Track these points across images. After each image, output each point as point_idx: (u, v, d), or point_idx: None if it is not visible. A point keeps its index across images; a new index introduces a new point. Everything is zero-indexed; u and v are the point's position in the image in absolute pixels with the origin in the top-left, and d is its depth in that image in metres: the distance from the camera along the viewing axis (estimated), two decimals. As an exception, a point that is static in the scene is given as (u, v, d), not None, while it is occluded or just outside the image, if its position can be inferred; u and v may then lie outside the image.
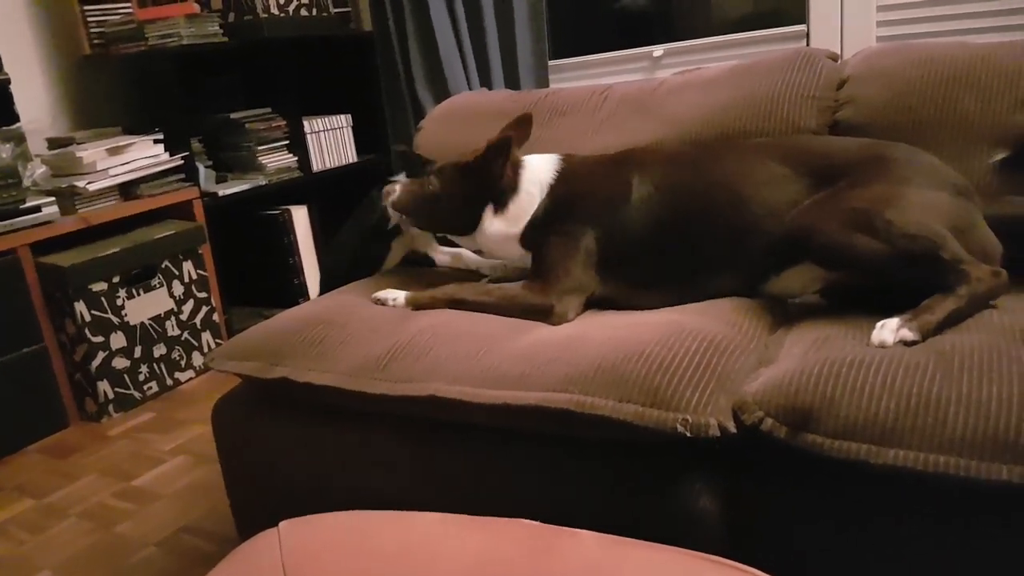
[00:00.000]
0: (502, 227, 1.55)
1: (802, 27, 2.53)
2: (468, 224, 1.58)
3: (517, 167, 1.56)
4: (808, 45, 2.51)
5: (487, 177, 1.54)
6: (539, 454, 1.23)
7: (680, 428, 1.06)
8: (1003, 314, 1.18)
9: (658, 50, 2.77)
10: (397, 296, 1.56)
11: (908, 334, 1.12)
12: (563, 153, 1.61)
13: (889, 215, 1.21)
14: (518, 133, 1.60)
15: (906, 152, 1.38)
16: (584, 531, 0.91)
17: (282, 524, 0.96)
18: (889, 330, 1.14)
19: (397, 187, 1.62)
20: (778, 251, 1.36)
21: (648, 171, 1.50)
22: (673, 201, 1.45)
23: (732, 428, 1.07)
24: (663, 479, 1.13)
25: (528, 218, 1.53)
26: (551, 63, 2.91)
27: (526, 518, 0.96)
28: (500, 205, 1.55)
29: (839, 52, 2.43)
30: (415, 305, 1.53)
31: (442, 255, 1.81)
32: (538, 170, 1.57)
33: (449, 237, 1.75)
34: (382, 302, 1.56)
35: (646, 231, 1.45)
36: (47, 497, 2.04)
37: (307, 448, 1.45)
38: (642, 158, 1.55)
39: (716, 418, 1.07)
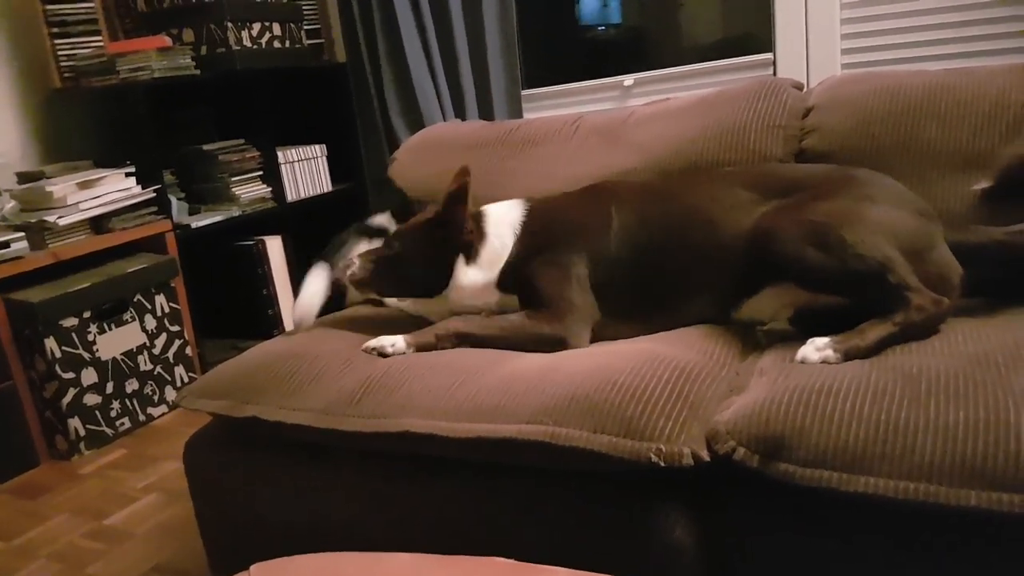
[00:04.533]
0: (478, 276, 1.51)
1: (769, 55, 2.58)
2: (439, 282, 1.53)
3: (478, 218, 1.55)
4: (775, 73, 2.56)
5: (451, 228, 1.51)
6: (514, 487, 1.23)
7: (654, 458, 1.07)
8: (968, 339, 1.19)
9: (629, 79, 2.81)
10: (395, 342, 1.44)
11: (831, 355, 1.17)
12: (525, 197, 1.60)
13: (844, 232, 1.24)
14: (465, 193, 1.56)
15: (869, 174, 1.42)
16: (559, 568, 0.90)
17: (253, 568, 0.95)
18: (814, 348, 1.19)
19: (355, 260, 1.56)
20: (747, 273, 1.38)
21: (624, 201, 1.51)
22: (650, 230, 1.47)
23: (705, 457, 1.07)
24: (638, 510, 1.13)
25: (504, 260, 1.51)
26: (524, 92, 2.94)
27: (503, 554, 0.95)
28: (470, 255, 1.52)
29: (805, 79, 2.48)
30: (418, 348, 1.43)
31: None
32: (501, 215, 1.56)
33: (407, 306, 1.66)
34: (380, 351, 1.44)
35: (627, 260, 1.46)
36: (16, 539, 1.99)
37: (280, 485, 1.43)
38: (615, 189, 1.57)
39: (689, 447, 1.07)
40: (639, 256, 1.46)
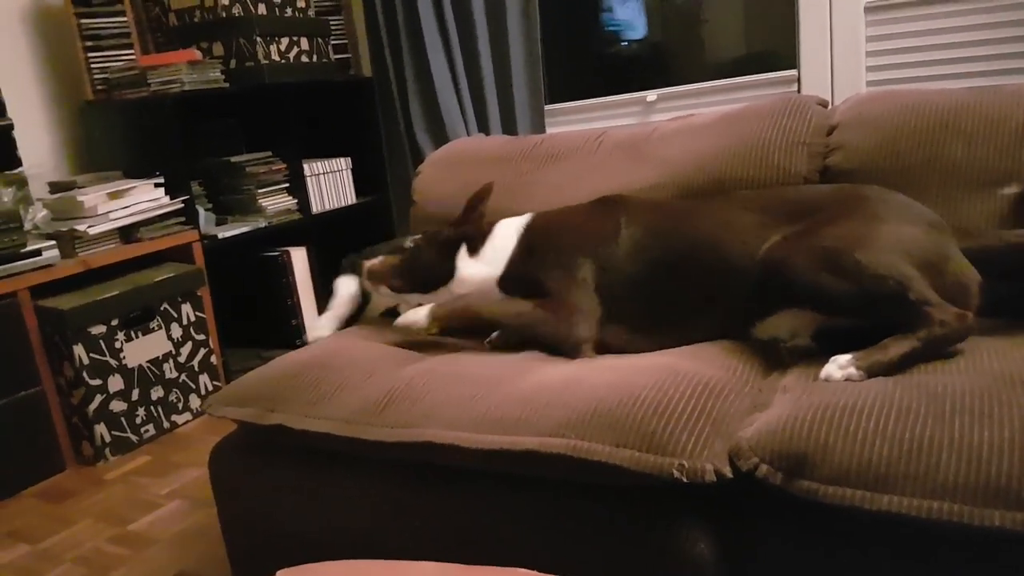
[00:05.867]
0: (478, 269, 1.59)
1: (793, 72, 2.58)
2: (443, 274, 1.62)
3: (490, 226, 1.65)
4: (799, 90, 2.56)
5: (463, 221, 1.65)
6: (535, 499, 1.23)
7: (676, 474, 1.07)
8: (993, 358, 1.19)
9: (652, 95, 2.82)
10: (419, 314, 1.53)
11: (854, 373, 1.17)
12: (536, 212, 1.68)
13: (859, 255, 1.24)
14: (483, 200, 1.69)
15: (878, 191, 1.41)
16: (580, 579, 0.91)
17: (279, 574, 0.96)
18: (837, 366, 1.19)
19: (380, 258, 1.67)
20: (760, 297, 1.37)
21: (634, 213, 1.54)
22: (658, 245, 1.48)
23: (728, 473, 1.07)
24: (660, 524, 1.13)
25: (507, 259, 1.58)
26: (547, 107, 2.96)
27: (523, 565, 0.96)
28: (473, 248, 1.62)
29: (830, 96, 2.48)
30: (434, 317, 1.51)
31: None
32: (509, 221, 1.65)
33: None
34: (407, 326, 1.54)
35: (636, 271, 1.48)
36: (42, 543, 2.02)
37: (304, 493, 1.44)
38: (624, 201, 1.60)
39: (712, 463, 1.07)
40: (647, 270, 1.47)
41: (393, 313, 1.82)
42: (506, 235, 1.61)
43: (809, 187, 1.58)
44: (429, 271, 1.63)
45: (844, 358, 1.19)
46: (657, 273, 1.46)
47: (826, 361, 1.22)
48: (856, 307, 1.26)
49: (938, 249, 1.29)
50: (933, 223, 1.34)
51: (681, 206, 1.58)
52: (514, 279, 1.56)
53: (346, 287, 1.82)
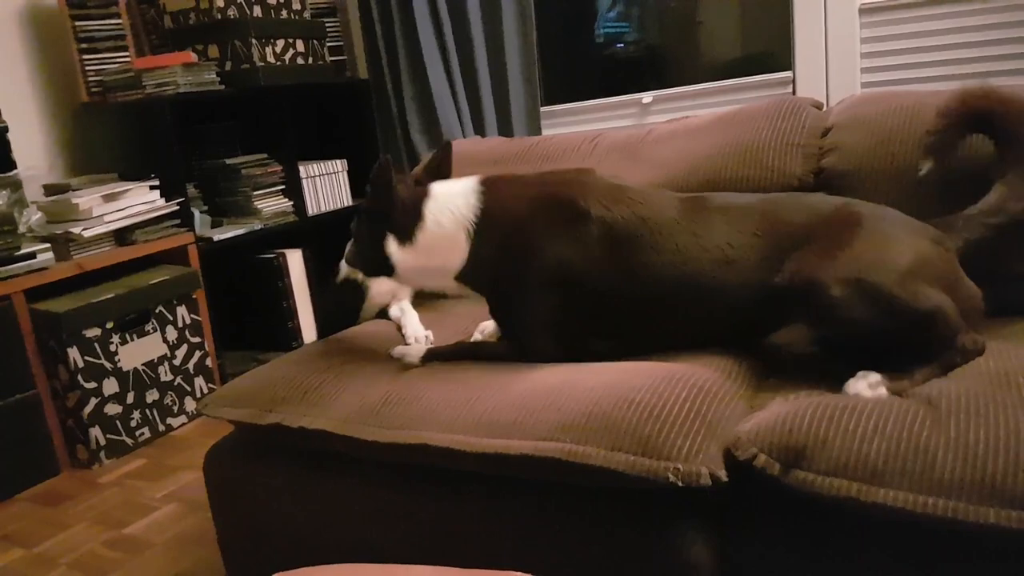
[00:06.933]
0: (413, 259, 1.43)
1: (788, 74, 2.59)
2: (382, 262, 1.46)
3: (420, 197, 1.44)
4: (794, 91, 2.57)
5: (380, 208, 1.43)
6: (531, 502, 1.23)
7: (671, 478, 1.07)
8: (989, 358, 1.20)
9: (647, 97, 2.83)
10: (413, 352, 1.50)
11: (884, 393, 1.16)
12: (480, 178, 1.46)
13: (896, 290, 1.18)
14: (441, 162, 1.55)
15: (873, 208, 1.35)
16: (575, 582, 0.90)
17: (273, 577, 0.96)
18: (867, 384, 1.17)
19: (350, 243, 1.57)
20: (764, 318, 1.34)
21: (600, 205, 1.38)
22: (642, 262, 1.36)
23: (723, 477, 1.07)
24: (655, 528, 1.13)
25: (461, 260, 1.42)
26: (543, 109, 2.97)
27: (518, 568, 0.96)
28: (404, 236, 1.42)
29: (825, 98, 2.48)
30: (430, 358, 1.48)
31: (394, 310, 1.79)
32: (447, 200, 1.43)
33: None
34: (400, 357, 1.50)
35: (612, 284, 1.37)
36: (36, 547, 2.01)
37: (299, 496, 1.44)
38: (589, 190, 1.41)
39: (707, 467, 1.07)
40: (625, 283, 1.36)
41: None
42: (443, 223, 1.41)
43: (801, 202, 1.41)
44: (375, 259, 1.47)
45: (874, 377, 1.17)
46: (637, 290, 1.36)
47: (827, 368, 1.22)
48: (890, 338, 1.22)
49: (949, 267, 1.28)
50: (936, 238, 1.30)
51: (657, 208, 1.40)
52: (474, 282, 1.45)
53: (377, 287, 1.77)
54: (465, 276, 1.44)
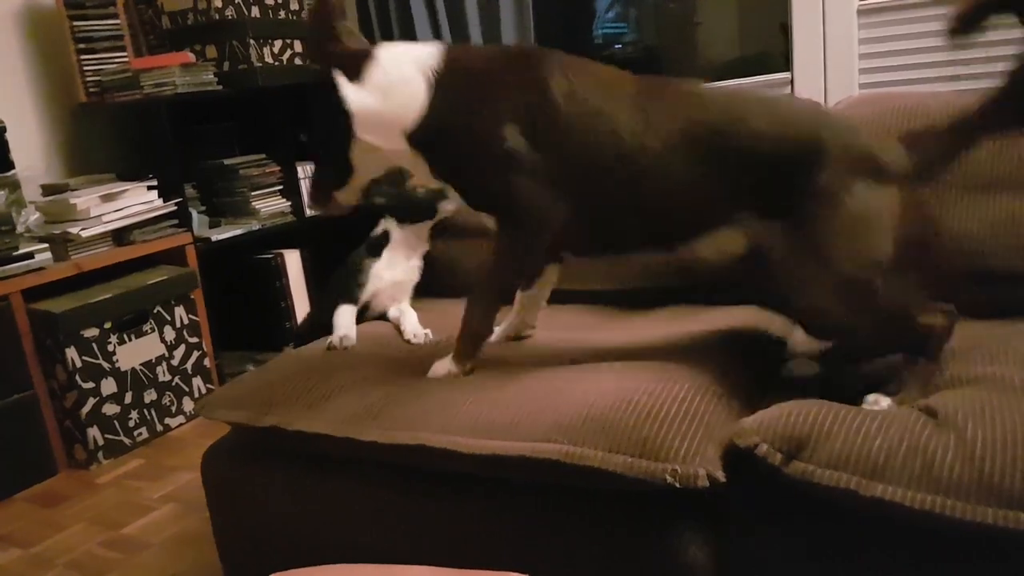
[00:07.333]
0: (369, 101, 1.32)
1: (787, 75, 2.59)
2: (346, 122, 1.33)
3: (368, 48, 1.34)
4: (792, 93, 2.56)
5: (321, 41, 1.33)
6: (528, 503, 1.23)
7: (669, 479, 1.07)
8: (987, 359, 1.20)
9: (646, 97, 2.82)
10: (444, 367, 1.41)
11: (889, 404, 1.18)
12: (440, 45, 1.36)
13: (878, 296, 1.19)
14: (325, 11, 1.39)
15: (843, 144, 1.25)
16: (573, 583, 0.90)
17: (270, 578, 0.96)
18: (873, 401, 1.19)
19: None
20: (700, 213, 1.29)
21: (562, 74, 1.31)
22: (595, 122, 1.30)
23: (721, 478, 1.07)
24: (653, 529, 1.13)
25: (417, 113, 1.30)
26: (541, 110, 2.96)
27: (516, 569, 0.96)
28: (353, 72, 1.31)
29: (823, 99, 2.48)
30: (457, 362, 1.40)
31: (393, 311, 1.80)
32: (403, 50, 1.34)
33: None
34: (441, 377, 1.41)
35: (570, 147, 1.29)
36: (34, 547, 2.01)
37: (297, 497, 1.44)
38: (549, 50, 1.34)
39: (705, 468, 1.07)
40: (581, 151, 1.29)
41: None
42: (401, 65, 1.31)
43: (767, 114, 1.29)
44: (332, 145, 1.36)
45: (885, 401, 1.19)
46: (595, 158, 1.29)
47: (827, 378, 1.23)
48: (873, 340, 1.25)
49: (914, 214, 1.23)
50: (900, 173, 1.24)
51: (617, 81, 1.38)
52: (427, 146, 1.33)
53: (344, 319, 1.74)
54: (420, 138, 1.32)
